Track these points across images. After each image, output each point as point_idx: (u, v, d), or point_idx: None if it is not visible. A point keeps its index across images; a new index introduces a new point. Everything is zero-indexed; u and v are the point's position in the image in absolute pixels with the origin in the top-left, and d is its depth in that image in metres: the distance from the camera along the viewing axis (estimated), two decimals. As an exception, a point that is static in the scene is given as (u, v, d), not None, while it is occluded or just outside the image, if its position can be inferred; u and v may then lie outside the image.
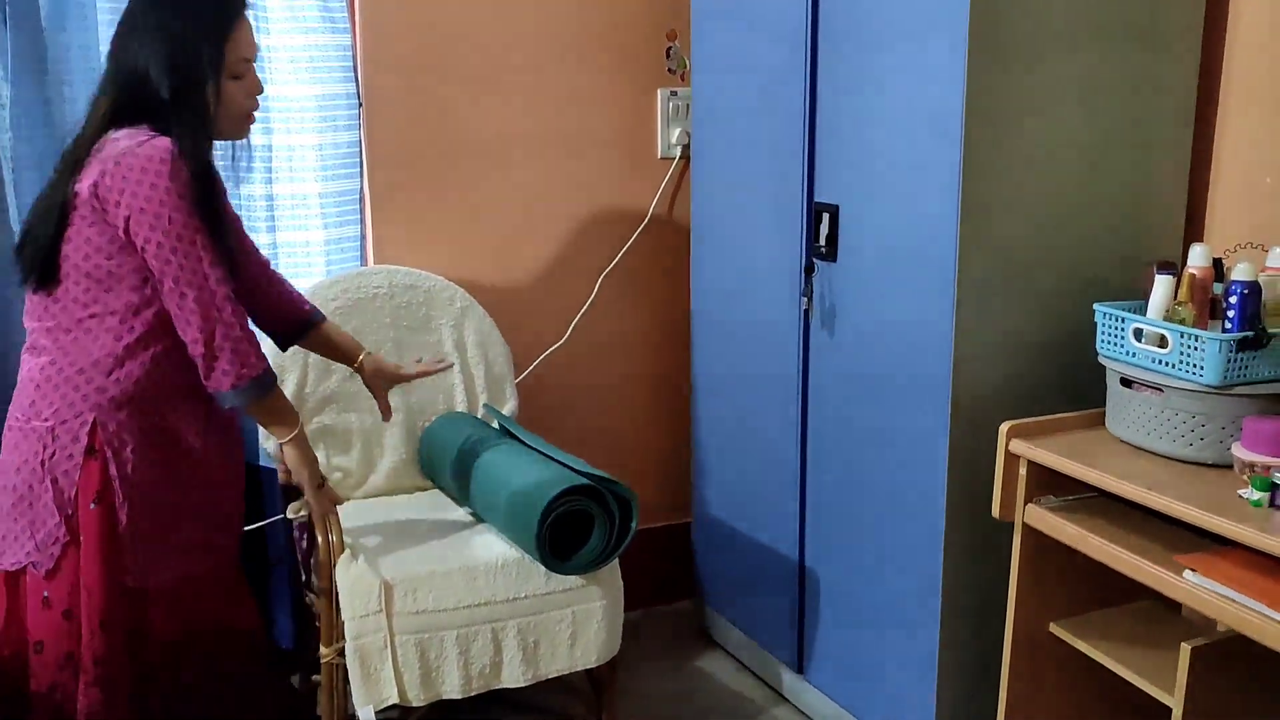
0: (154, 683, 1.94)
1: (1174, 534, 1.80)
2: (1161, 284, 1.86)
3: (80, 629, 1.86)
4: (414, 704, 2.11)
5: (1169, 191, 2.18)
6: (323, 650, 2.14)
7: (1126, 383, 1.89)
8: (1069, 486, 1.92)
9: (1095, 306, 1.95)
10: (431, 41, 2.70)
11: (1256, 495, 1.63)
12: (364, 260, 2.73)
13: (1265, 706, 1.72)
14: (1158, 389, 1.83)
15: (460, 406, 2.62)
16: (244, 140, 2.00)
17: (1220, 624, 1.64)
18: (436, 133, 2.74)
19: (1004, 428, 1.94)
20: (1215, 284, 1.88)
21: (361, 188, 2.70)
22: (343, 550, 2.11)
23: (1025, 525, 1.95)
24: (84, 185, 1.80)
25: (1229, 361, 1.74)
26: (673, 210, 3.02)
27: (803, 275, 2.36)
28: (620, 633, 2.28)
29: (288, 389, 2.44)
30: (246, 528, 2.23)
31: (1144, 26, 2.07)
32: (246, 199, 2.55)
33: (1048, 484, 1.94)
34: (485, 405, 2.30)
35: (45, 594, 1.86)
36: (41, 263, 1.84)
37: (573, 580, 2.19)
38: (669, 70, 2.95)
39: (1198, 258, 1.87)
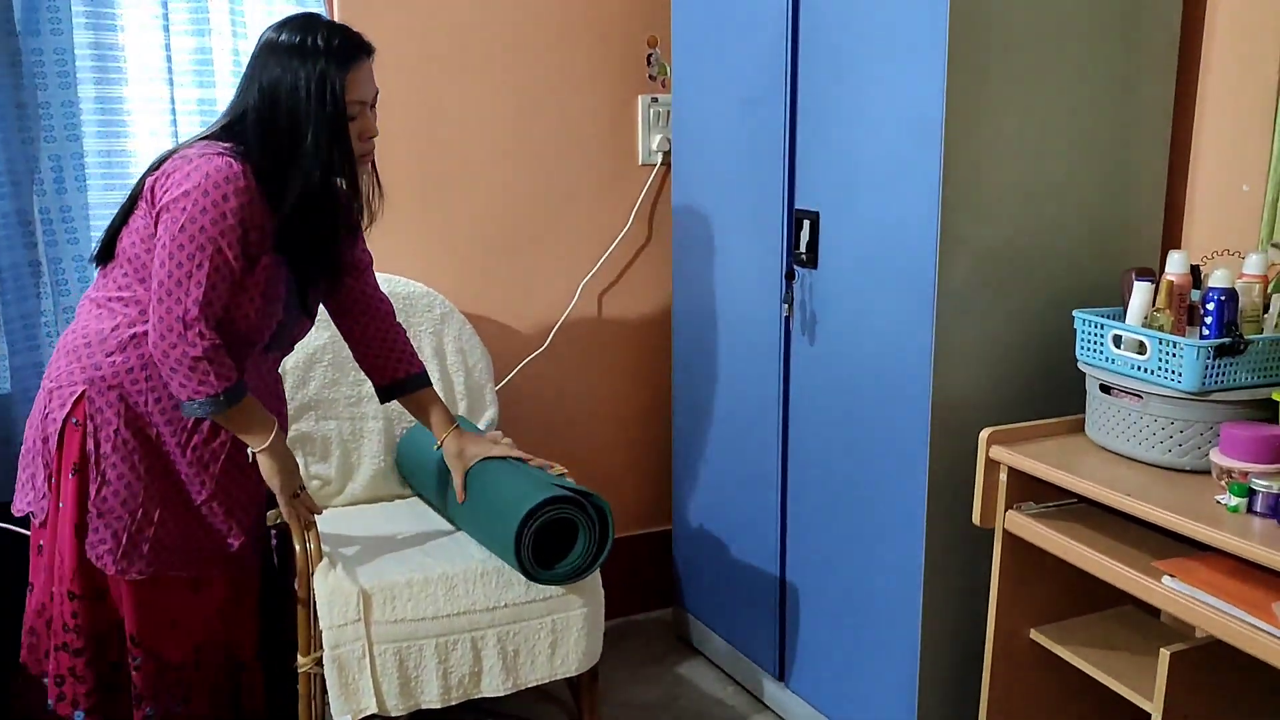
0: (123, 673, 2.00)
1: (1154, 540, 1.81)
2: (1140, 291, 1.87)
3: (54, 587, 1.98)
4: (393, 714, 2.09)
5: (1147, 198, 2.19)
6: (300, 660, 2.12)
7: (1106, 389, 1.90)
8: (1049, 493, 1.93)
9: (1074, 313, 1.96)
10: (411, 48, 2.69)
11: (1234, 501, 1.63)
12: (343, 267, 2.71)
13: (1244, 711, 1.72)
14: (1137, 395, 1.83)
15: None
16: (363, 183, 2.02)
17: (1199, 629, 1.65)
18: (416, 139, 2.73)
19: (984, 434, 1.95)
20: (1193, 290, 1.89)
21: (340, 194, 2.68)
22: (321, 559, 2.09)
23: (1005, 532, 1.95)
24: (152, 178, 1.90)
25: (1207, 368, 1.74)
26: (654, 217, 3.01)
27: (783, 282, 2.36)
28: (601, 641, 2.27)
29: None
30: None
31: (1122, 33, 2.09)
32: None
33: (1028, 490, 1.94)
34: (459, 418, 2.29)
35: (40, 543, 2.02)
36: (104, 243, 1.98)
37: (552, 589, 2.18)
38: (650, 77, 2.95)
39: (1175, 264, 1.88)
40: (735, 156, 2.51)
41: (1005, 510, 1.95)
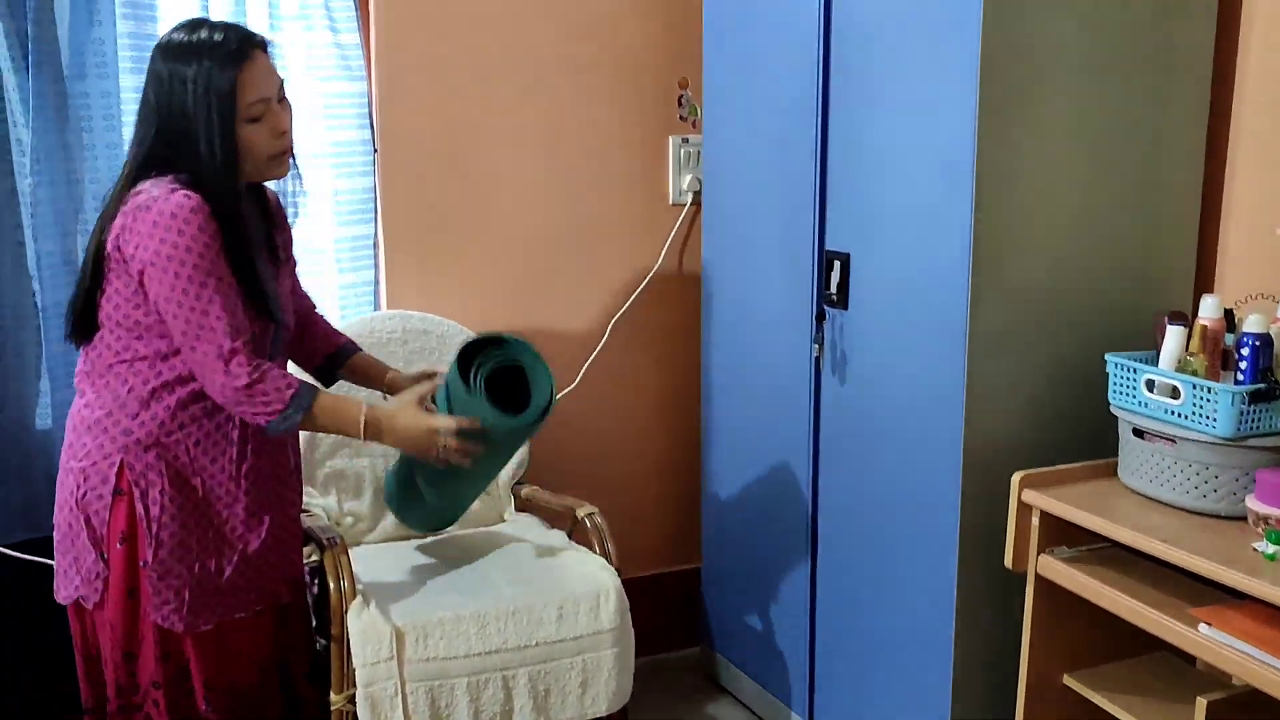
0: (197, 712, 1.97)
1: (1189, 585, 1.80)
2: (1173, 335, 1.87)
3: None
4: (423, 752, 2.10)
5: (1179, 241, 2.19)
6: (333, 697, 2.13)
7: (1139, 433, 1.89)
8: (1082, 536, 1.92)
9: (1107, 357, 1.96)
10: (446, 88, 2.73)
11: (1271, 548, 1.62)
12: (378, 305, 2.75)
13: (1282, 762, 1.70)
14: (1170, 440, 1.83)
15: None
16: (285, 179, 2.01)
17: (1236, 677, 1.63)
18: (450, 179, 2.77)
19: (1016, 478, 1.94)
20: (1227, 335, 1.89)
21: (376, 233, 2.72)
22: (354, 596, 2.11)
23: (1038, 576, 1.94)
24: (110, 238, 1.84)
25: (1242, 413, 1.74)
26: (684, 256, 3.04)
27: (814, 322, 2.36)
28: (631, 680, 2.27)
29: (301, 433, 2.45)
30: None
31: (1153, 77, 2.09)
32: (262, 244, 2.58)
33: (1061, 533, 1.93)
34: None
35: (91, 623, 1.96)
36: (77, 318, 1.91)
37: (583, 627, 2.18)
38: (680, 118, 2.98)
39: (1209, 309, 1.87)
40: (766, 197, 2.53)
41: (1038, 554, 1.94)
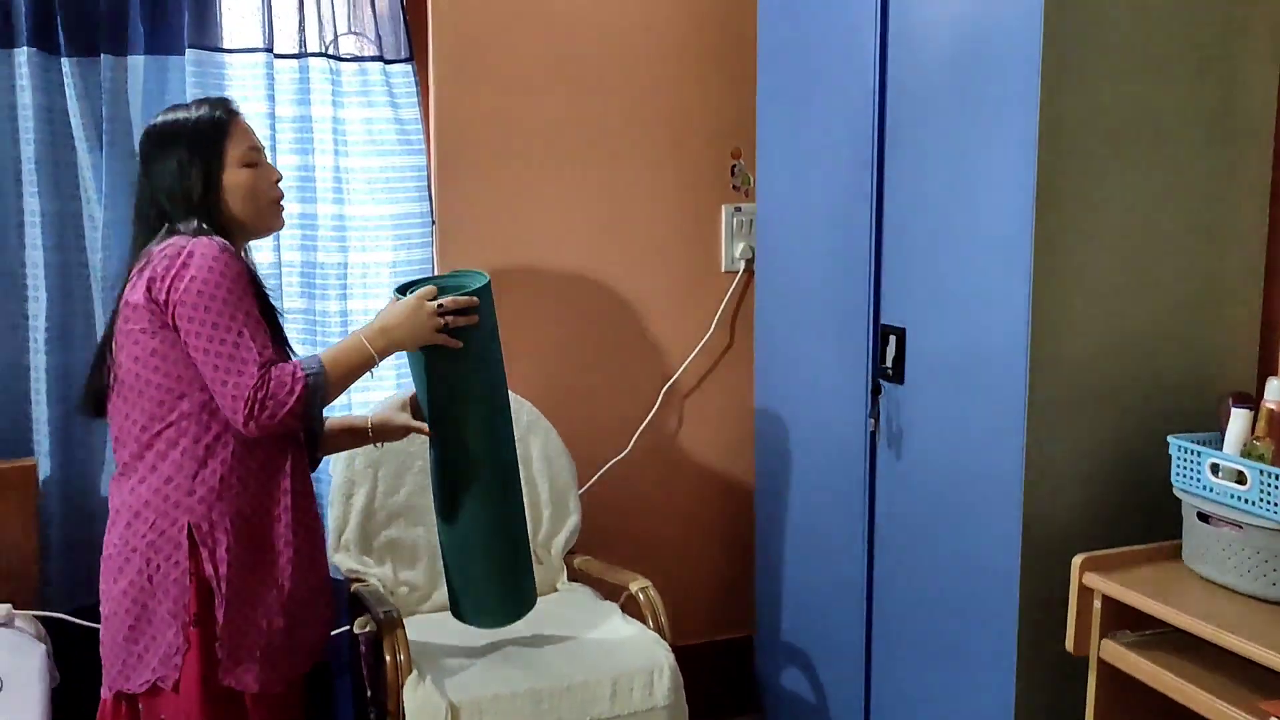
0: None
1: (1257, 672, 1.75)
2: (1238, 418, 1.84)
3: None
4: (477, 828, 2.09)
5: (1242, 318, 2.16)
6: (387, 770, 2.14)
7: (1204, 517, 1.86)
8: (1146, 620, 1.88)
9: (1170, 439, 1.93)
10: (503, 162, 2.78)
11: (1344, 641, 1.59)
12: (433, 372, 2.78)
13: None
14: (1236, 525, 1.80)
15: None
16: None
17: (1309, 775, 1.59)
18: (506, 250, 2.81)
19: (1077, 560, 1.92)
20: (1294, 418, 1.86)
21: (432, 302, 2.76)
22: (410, 670, 2.12)
23: (1101, 660, 1.91)
24: (137, 294, 1.87)
25: (1310, 500, 1.71)
26: (735, 324, 3.05)
27: (869, 396, 2.36)
28: (685, 755, 2.26)
29: (357, 503, 2.48)
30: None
31: (1213, 148, 2.07)
32: (321, 314, 2.62)
33: (1124, 617, 1.90)
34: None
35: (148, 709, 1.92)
36: (101, 395, 1.95)
37: (638, 704, 2.18)
38: (734, 187, 3.01)
39: (1275, 392, 1.85)
40: (819, 268, 2.53)
41: (1100, 639, 1.91)
